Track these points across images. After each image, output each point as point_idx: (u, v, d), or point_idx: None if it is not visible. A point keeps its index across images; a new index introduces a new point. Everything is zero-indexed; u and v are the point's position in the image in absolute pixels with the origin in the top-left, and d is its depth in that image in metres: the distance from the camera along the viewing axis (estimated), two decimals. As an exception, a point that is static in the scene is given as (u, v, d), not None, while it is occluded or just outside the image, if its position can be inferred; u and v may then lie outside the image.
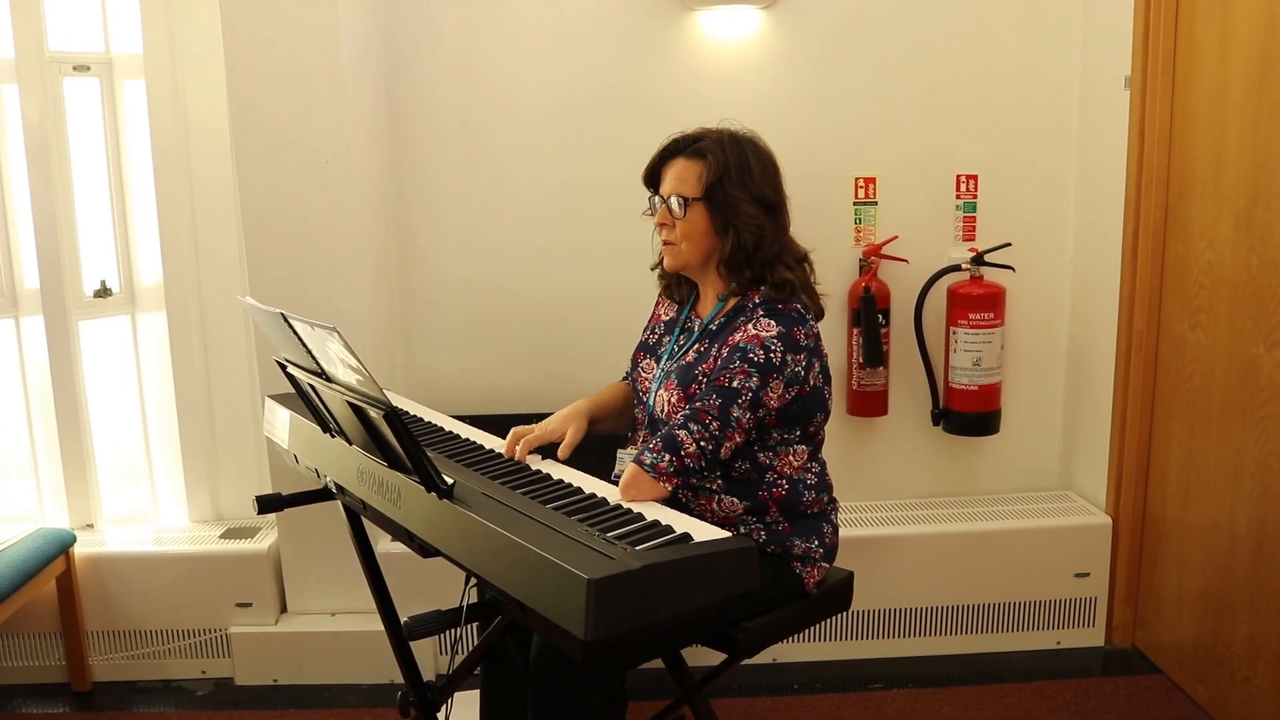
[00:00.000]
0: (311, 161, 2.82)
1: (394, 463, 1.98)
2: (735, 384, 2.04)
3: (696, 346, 2.22)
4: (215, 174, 3.14)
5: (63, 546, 2.93)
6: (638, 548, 1.68)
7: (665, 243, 2.25)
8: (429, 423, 2.48)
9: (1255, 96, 2.53)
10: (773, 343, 2.05)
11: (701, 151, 2.18)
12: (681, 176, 2.19)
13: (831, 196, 3.22)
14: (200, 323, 3.21)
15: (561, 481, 2.03)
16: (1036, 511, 3.20)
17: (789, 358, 2.06)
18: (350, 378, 1.91)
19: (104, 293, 3.19)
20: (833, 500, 2.30)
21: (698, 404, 2.06)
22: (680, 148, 2.22)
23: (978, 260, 3.16)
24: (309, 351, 2.00)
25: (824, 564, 2.24)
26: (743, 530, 2.17)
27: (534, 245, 3.25)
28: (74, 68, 3.08)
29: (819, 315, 2.25)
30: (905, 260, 3.21)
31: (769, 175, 2.19)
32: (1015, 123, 3.19)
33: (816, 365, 2.13)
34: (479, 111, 3.18)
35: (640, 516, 1.84)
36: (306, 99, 2.80)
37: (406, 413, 2.57)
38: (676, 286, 2.39)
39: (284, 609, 3.13)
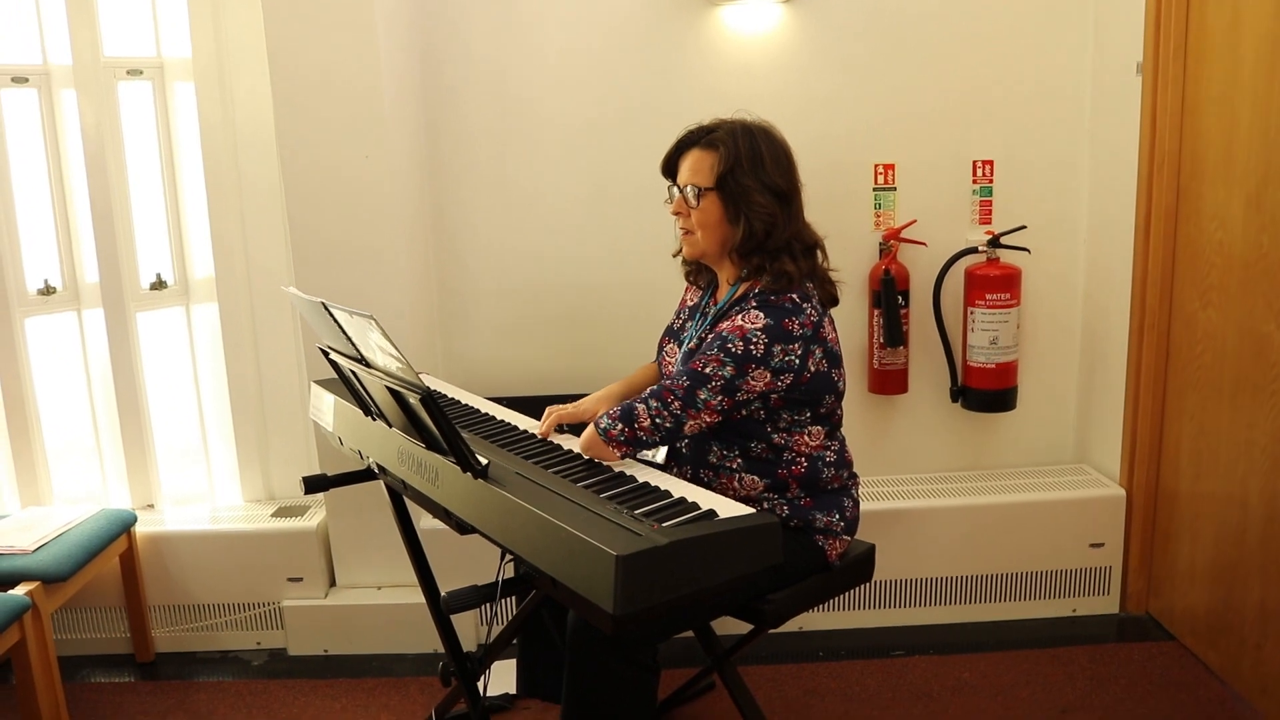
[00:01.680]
0: (353, 159, 2.81)
1: (431, 444, 1.97)
2: (708, 370, 2.02)
3: (704, 334, 2.19)
4: (262, 171, 3.13)
5: (124, 526, 2.95)
6: (664, 524, 1.66)
7: (683, 231, 2.22)
8: (466, 405, 2.48)
9: (1266, 79, 2.46)
10: (756, 335, 2.01)
11: (714, 142, 2.14)
12: (695, 167, 2.16)
13: (852, 183, 3.18)
14: (250, 313, 3.21)
15: (591, 460, 2.02)
16: (1052, 485, 3.15)
17: (776, 348, 2.02)
18: (388, 364, 1.90)
19: (159, 285, 3.21)
20: (853, 475, 2.26)
21: (668, 381, 2.06)
22: (695, 138, 2.19)
23: (994, 243, 3.11)
24: (349, 339, 2.00)
25: (845, 537, 2.21)
26: (765, 506, 2.14)
27: (563, 237, 3.22)
28: (128, 72, 3.08)
29: (831, 302, 2.21)
30: (924, 243, 3.16)
31: (781, 164, 2.15)
32: (1030, 109, 3.13)
33: (818, 351, 2.08)
34: (508, 107, 3.15)
35: (667, 494, 1.83)
36: (347, 98, 2.79)
37: (444, 395, 2.57)
38: (699, 272, 2.37)
39: (333, 583, 3.14)
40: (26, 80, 3.05)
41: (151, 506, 3.26)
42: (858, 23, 3.08)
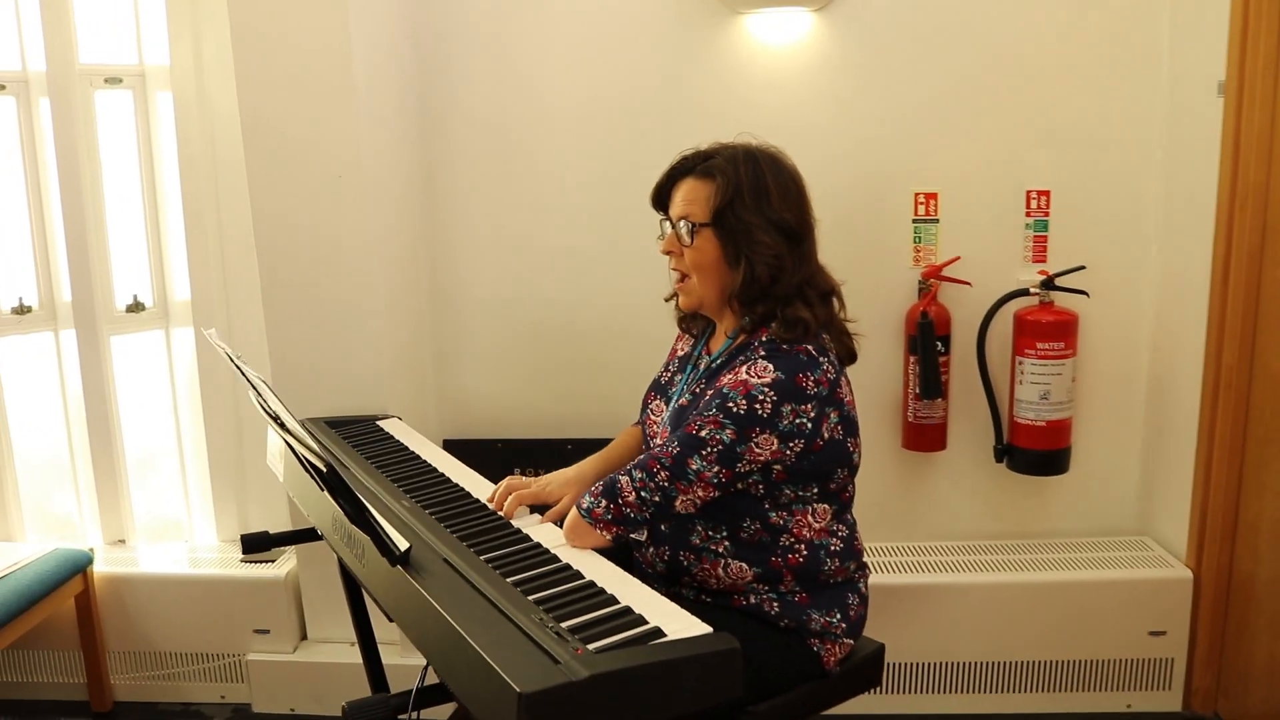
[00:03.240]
0: (323, 175, 2.53)
1: (354, 518, 1.67)
2: (704, 434, 1.68)
3: (695, 387, 1.86)
4: (241, 187, 2.86)
5: (77, 568, 2.71)
6: (591, 646, 1.33)
7: (675, 274, 1.89)
8: (422, 462, 2.16)
9: (1374, 105, 2.06)
10: (762, 391, 1.67)
11: (712, 170, 1.81)
12: (689, 199, 1.83)
13: (889, 213, 2.81)
14: (227, 339, 2.94)
15: (536, 548, 1.69)
16: (1108, 560, 2.74)
17: (785, 409, 1.67)
18: (297, 428, 1.60)
19: (137, 307, 2.96)
20: (861, 567, 1.90)
21: (656, 449, 1.73)
22: (690, 166, 1.86)
23: (1048, 284, 2.71)
24: (262, 395, 1.71)
25: (847, 640, 1.84)
26: (752, 600, 1.79)
27: (570, 262, 2.91)
28: (106, 80, 2.85)
29: (849, 358, 1.86)
30: (968, 283, 2.78)
31: (790, 197, 1.81)
32: (1093, 133, 2.73)
33: (833, 415, 1.74)
34: (514, 123, 2.85)
35: (611, 600, 1.49)
36: (316, 109, 2.50)
37: (404, 449, 2.26)
38: (693, 318, 2.03)
39: (304, 636, 2.85)
40: (3, 88, 2.84)
41: (123, 542, 3.01)
42: (897, 34, 2.72)
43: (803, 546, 1.79)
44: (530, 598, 1.48)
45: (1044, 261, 2.78)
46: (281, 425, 1.70)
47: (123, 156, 2.91)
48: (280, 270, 2.61)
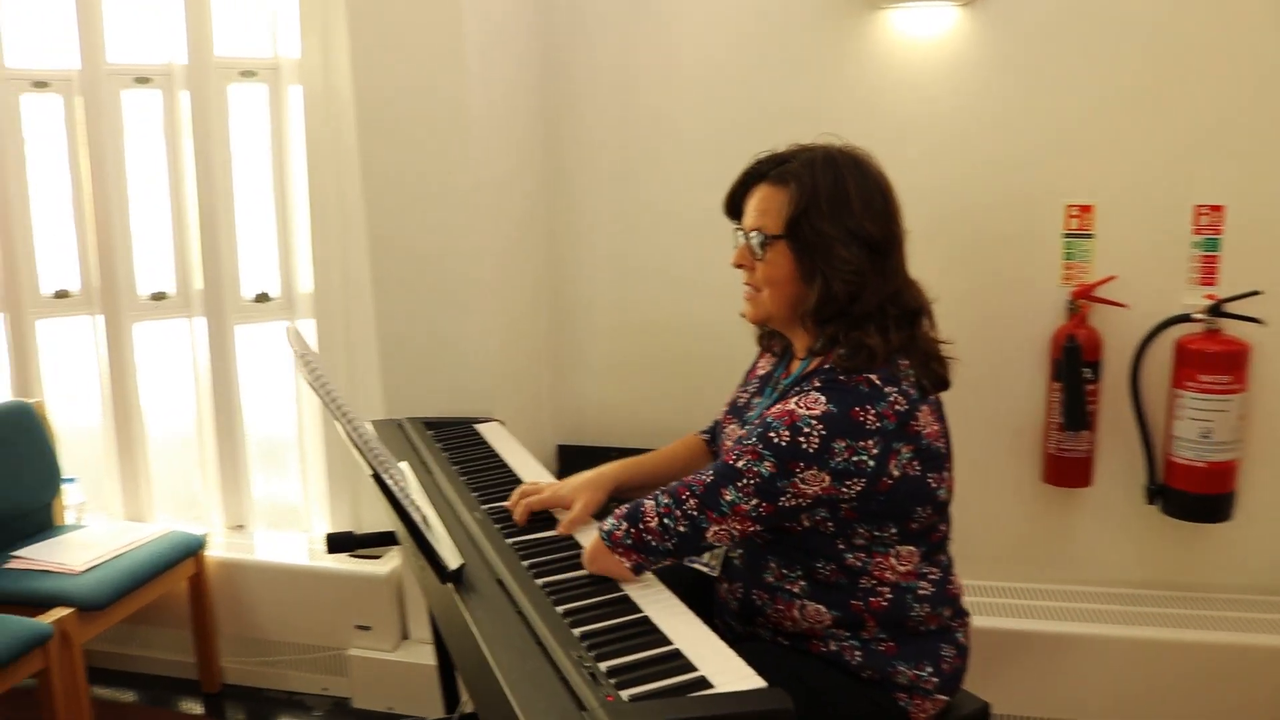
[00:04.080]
0: (434, 175, 2.51)
1: (410, 529, 1.61)
2: (740, 464, 1.54)
3: (766, 413, 1.72)
4: (364, 181, 2.89)
5: (188, 551, 2.79)
6: (625, 692, 1.23)
7: (747, 288, 1.75)
8: (509, 470, 2.09)
9: None
10: (809, 424, 1.52)
11: (786, 176, 1.65)
12: (762, 207, 1.68)
13: (1037, 226, 2.59)
14: (345, 333, 2.96)
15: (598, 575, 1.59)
16: (1272, 624, 2.45)
17: (838, 445, 1.51)
18: (364, 433, 1.56)
19: (263, 298, 3.02)
20: (960, 614, 1.73)
21: (691, 475, 1.60)
22: (764, 171, 1.71)
23: (1216, 310, 2.45)
24: (328, 396, 1.68)
25: (940, 696, 1.67)
26: (833, 646, 1.65)
27: (695, 270, 2.81)
28: (241, 73, 2.91)
29: (939, 385, 1.68)
30: (1124, 305, 2.53)
31: (874, 206, 1.63)
32: (1275, 141, 2.44)
33: (905, 450, 1.56)
34: (641, 124, 2.80)
35: (663, 641, 1.38)
36: (433, 107, 2.49)
37: (496, 454, 2.19)
38: (773, 336, 1.89)
39: (405, 635, 2.85)
40: (149, 80, 2.95)
41: (241, 527, 3.09)
42: (1051, 28, 2.50)
43: (886, 589, 1.63)
44: (576, 631, 1.39)
45: (1212, 285, 2.51)
46: (347, 432, 1.67)
47: (257, 149, 2.97)
48: (392, 267, 2.61)
